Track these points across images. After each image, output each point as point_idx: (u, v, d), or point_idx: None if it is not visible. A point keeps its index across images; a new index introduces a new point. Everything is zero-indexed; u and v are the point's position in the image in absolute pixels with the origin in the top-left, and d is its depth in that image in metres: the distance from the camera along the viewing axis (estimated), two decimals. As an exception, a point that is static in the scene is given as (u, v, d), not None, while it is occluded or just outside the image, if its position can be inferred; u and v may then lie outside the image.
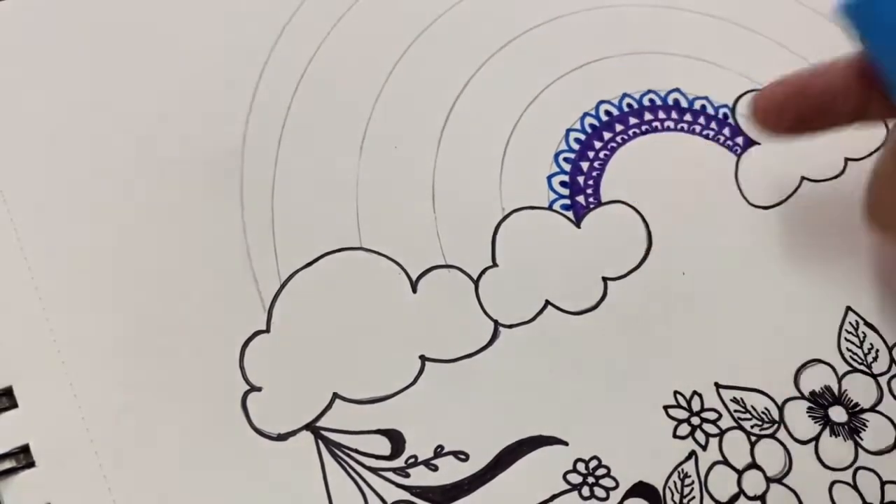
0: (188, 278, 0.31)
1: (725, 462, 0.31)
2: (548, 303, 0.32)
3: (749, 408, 0.31)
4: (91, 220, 0.31)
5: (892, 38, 0.27)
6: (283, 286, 0.31)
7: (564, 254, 0.33)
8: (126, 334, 0.30)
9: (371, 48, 0.35)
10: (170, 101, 0.33)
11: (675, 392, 0.31)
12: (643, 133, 0.35)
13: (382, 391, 0.30)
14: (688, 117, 0.35)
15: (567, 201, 0.34)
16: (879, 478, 0.31)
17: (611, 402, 0.31)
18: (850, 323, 0.33)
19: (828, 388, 0.32)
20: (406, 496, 0.29)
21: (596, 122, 0.35)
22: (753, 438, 0.31)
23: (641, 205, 0.34)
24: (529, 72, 0.35)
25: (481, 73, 0.35)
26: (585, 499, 0.30)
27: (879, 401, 0.32)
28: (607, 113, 0.35)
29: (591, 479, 0.30)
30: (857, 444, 0.31)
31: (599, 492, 0.30)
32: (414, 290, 0.32)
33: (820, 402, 0.32)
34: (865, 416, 0.32)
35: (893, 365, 0.32)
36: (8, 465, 0.28)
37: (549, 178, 0.34)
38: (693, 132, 0.35)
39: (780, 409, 0.31)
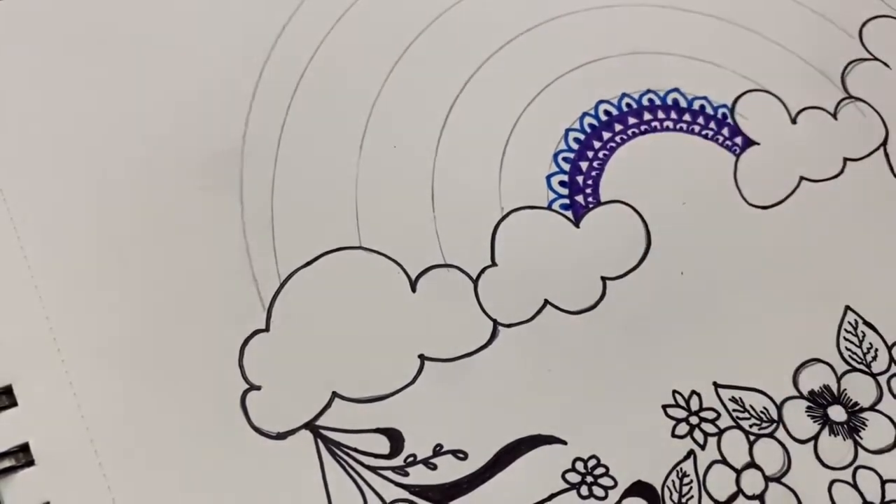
0: (188, 277, 0.31)
1: (724, 461, 0.31)
2: (547, 302, 0.32)
3: (748, 407, 0.31)
4: (91, 219, 0.31)
5: None
6: (282, 285, 0.31)
7: (563, 253, 0.33)
8: (126, 333, 0.30)
9: (370, 48, 0.35)
10: (170, 101, 0.33)
11: (674, 391, 0.31)
12: (642, 133, 0.35)
13: (381, 390, 0.30)
14: (687, 117, 0.35)
15: (566, 201, 0.34)
16: (880, 476, 0.31)
17: (609, 401, 0.31)
18: (850, 322, 0.33)
19: (827, 388, 0.32)
20: (405, 495, 0.29)
21: (595, 122, 0.35)
22: (752, 438, 0.31)
23: (640, 205, 0.34)
24: (529, 72, 0.35)
25: (480, 72, 0.35)
26: (584, 498, 0.30)
27: (879, 400, 0.32)
28: (606, 113, 0.35)
29: (589, 479, 0.30)
30: (856, 443, 0.31)
31: (598, 491, 0.30)
32: (413, 290, 0.32)
33: (819, 402, 0.32)
34: (865, 415, 0.32)
35: (893, 364, 0.32)
36: (7, 463, 0.28)
37: (549, 177, 0.34)
38: (692, 132, 0.35)
39: (779, 408, 0.31)
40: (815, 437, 0.31)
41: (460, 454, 0.30)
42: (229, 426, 0.29)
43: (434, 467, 0.30)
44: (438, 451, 0.30)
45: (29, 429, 0.29)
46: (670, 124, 0.35)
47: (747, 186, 0.35)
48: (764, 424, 0.31)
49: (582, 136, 0.35)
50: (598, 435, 0.30)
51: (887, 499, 0.31)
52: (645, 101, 0.36)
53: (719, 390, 0.31)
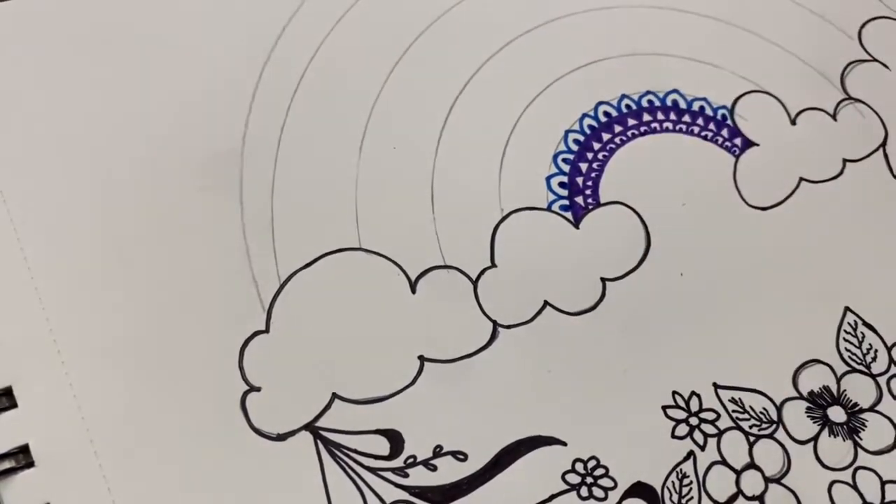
0: (188, 278, 0.31)
1: (724, 462, 0.31)
2: (546, 303, 0.32)
3: (747, 408, 0.31)
4: (91, 219, 0.31)
5: None
6: (282, 286, 0.31)
7: (563, 254, 0.33)
8: (126, 334, 0.30)
9: (370, 49, 0.35)
10: (170, 101, 0.33)
11: (674, 392, 0.31)
12: (642, 134, 0.35)
13: (381, 391, 0.30)
14: (686, 118, 0.35)
15: (566, 202, 0.34)
16: (879, 477, 0.31)
17: (609, 402, 0.31)
18: (849, 323, 0.33)
19: (826, 389, 0.32)
20: (405, 496, 0.29)
21: (595, 124, 0.35)
22: (752, 438, 0.31)
23: (640, 206, 0.34)
24: (528, 73, 0.35)
25: (480, 73, 0.35)
26: (584, 499, 0.30)
27: (878, 400, 0.32)
28: (606, 114, 0.35)
29: (589, 479, 0.30)
30: (856, 444, 0.31)
31: (598, 492, 0.30)
32: (413, 291, 0.32)
33: (819, 403, 0.32)
34: (865, 415, 0.32)
35: (892, 365, 0.32)
36: (7, 464, 0.28)
37: (548, 178, 0.34)
38: (692, 133, 0.35)
39: (779, 409, 0.31)
40: (815, 438, 0.31)
41: (460, 455, 0.30)
42: (229, 427, 0.29)
43: (434, 468, 0.30)
44: (438, 452, 0.30)
45: (29, 430, 0.29)
46: (670, 125, 0.35)
47: (747, 187, 0.35)
48: (764, 425, 0.31)
49: (581, 138, 0.35)
50: (597, 436, 0.30)
51: (887, 499, 0.31)
52: (644, 103, 0.36)
53: (719, 391, 0.31)
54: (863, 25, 0.37)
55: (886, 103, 0.36)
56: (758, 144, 0.35)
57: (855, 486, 0.31)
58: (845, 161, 0.35)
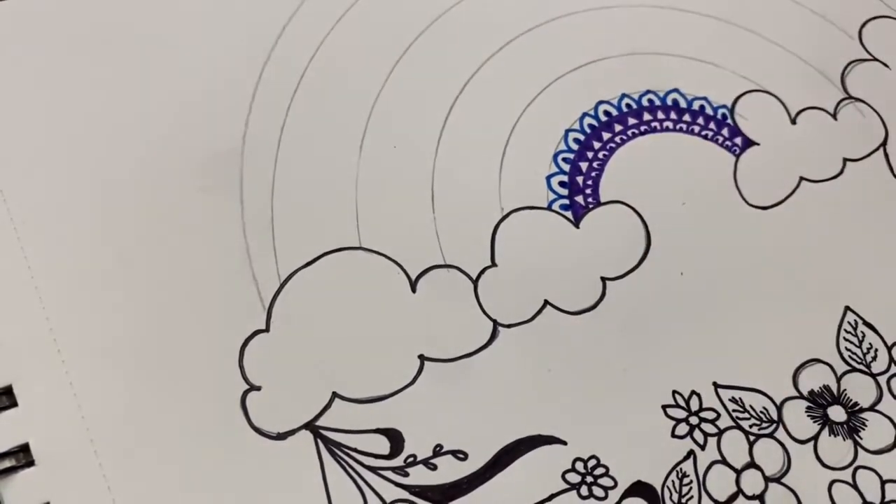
0: (188, 278, 0.31)
1: (724, 461, 0.31)
2: (546, 302, 0.32)
3: (748, 407, 0.31)
4: (91, 219, 0.31)
5: None
6: (282, 286, 0.31)
7: (563, 254, 0.33)
8: (126, 334, 0.30)
9: (370, 48, 0.35)
10: (170, 101, 0.33)
11: (674, 391, 0.31)
12: (642, 133, 0.35)
13: (382, 390, 0.30)
14: (687, 117, 0.35)
15: (566, 201, 0.34)
16: (880, 477, 0.31)
17: (609, 401, 0.31)
18: (849, 322, 0.33)
19: (827, 388, 0.32)
20: (405, 495, 0.29)
21: (595, 123, 0.35)
22: (752, 438, 0.31)
23: (640, 205, 0.34)
24: (528, 72, 0.35)
25: (481, 73, 0.35)
26: (584, 498, 0.30)
27: (879, 400, 0.32)
28: (606, 113, 0.35)
29: (589, 479, 0.30)
30: (856, 444, 0.31)
31: (598, 491, 0.30)
32: (413, 290, 0.32)
33: (819, 402, 0.32)
34: (865, 415, 0.32)
35: (892, 364, 0.32)
36: (7, 463, 0.28)
37: (549, 178, 0.34)
38: (692, 132, 0.35)
39: (779, 408, 0.31)
40: (815, 438, 0.31)
41: (460, 454, 0.30)
42: (229, 426, 0.29)
43: (434, 467, 0.30)
44: (438, 451, 0.30)
45: (29, 429, 0.29)
46: (670, 125, 0.35)
47: (747, 187, 0.35)
48: (764, 424, 0.31)
49: (582, 137, 0.35)
50: (597, 435, 0.30)
51: (887, 499, 0.31)
52: (645, 102, 0.36)
53: (719, 390, 0.31)
54: (863, 25, 0.37)
55: (887, 103, 0.36)
56: (758, 144, 0.35)
57: (855, 486, 0.31)
58: (845, 160, 0.35)
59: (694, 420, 0.31)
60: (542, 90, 0.35)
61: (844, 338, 0.33)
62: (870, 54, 0.37)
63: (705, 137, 0.35)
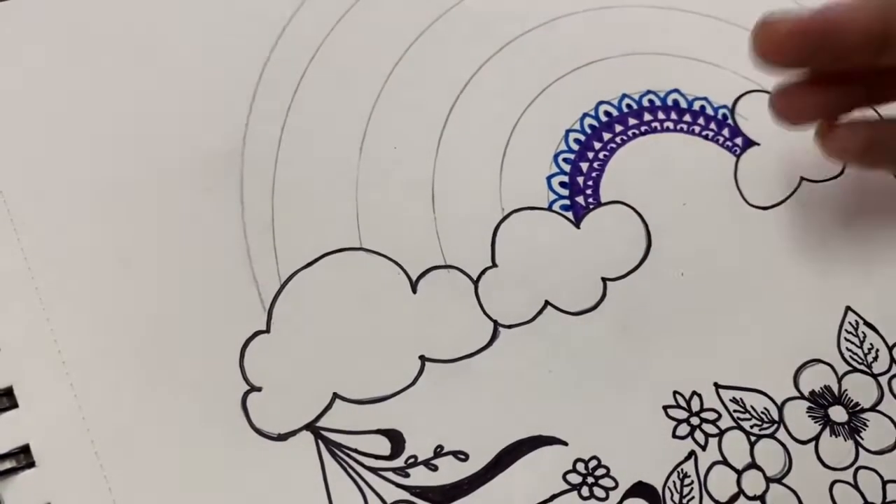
0: (188, 278, 0.31)
1: (725, 462, 0.31)
2: (547, 303, 0.32)
3: (748, 408, 0.31)
4: (91, 219, 0.31)
5: None
6: (283, 286, 0.31)
7: (564, 254, 0.33)
8: (126, 334, 0.30)
9: (371, 48, 0.35)
10: (170, 101, 0.33)
11: (675, 392, 0.31)
12: (642, 133, 0.35)
13: (382, 391, 0.30)
14: (687, 118, 0.35)
15: (566, 202, 0.34)
16: (881, 477, 0.31)
17: (610, 402, 0.31)
18: (850, 323, 0.33)
19: (828, 388, 0.32)
20: (406, 496, 0.29)
21: (595, 123, 0.35)
22: (753, 438, 0.31)
23: (641, 205, 0.34)
24: (529, 72, 0.35)
25: (481, 73, 0.35)
26: (585, 499, 0.30)
27: (880, 400, 0.32)
28: (607, 114, 0.35)
29: (590, 479, 0.30)
30: (857, 444, 0.31)
31: (599, 492, 0.30)
32: (414, 291, 0.32)
33: (820, 402, 0.32)
34: (866, 415, 0.32)
35: (893, 364, 0.32)
36: (8, 465, 0.28)
37: (549, 178, 0.34)
38: (692, 133, 0.35)
39: (780, 409, 0.31)
40: (816, 438, 0.31)
41: (461, 455, 0.30)
42: (230, 427, 0.29)
43: (435, 468, 0.30)
44: (439, 452, 0.30)
45: (30, 430, 0.29)
46: (671, 125, 0.35)
47: (748, 187, 0.35)
48: (765, 425, 0.31)
49: (582, 137, 0.35)
50: (598, 436, 0.30)
51: (888, 499, 0.31)
52: (645, 102, 0.36)
53: (720, 391, 0.31)
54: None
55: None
56: (758, 144, 0.35)
57: (856, 486, 0.31)
58: (846, 160, 0.35)
59: (695, 420, 0.31)
60: (542, 90, 0.35)
61: (845, 338, 0.33)
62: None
63: (706, 138, 0.35)
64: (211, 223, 0.32)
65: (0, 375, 0.29)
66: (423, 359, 0.31)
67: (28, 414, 0.29)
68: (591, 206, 0.34)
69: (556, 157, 0.34)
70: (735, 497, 0.30)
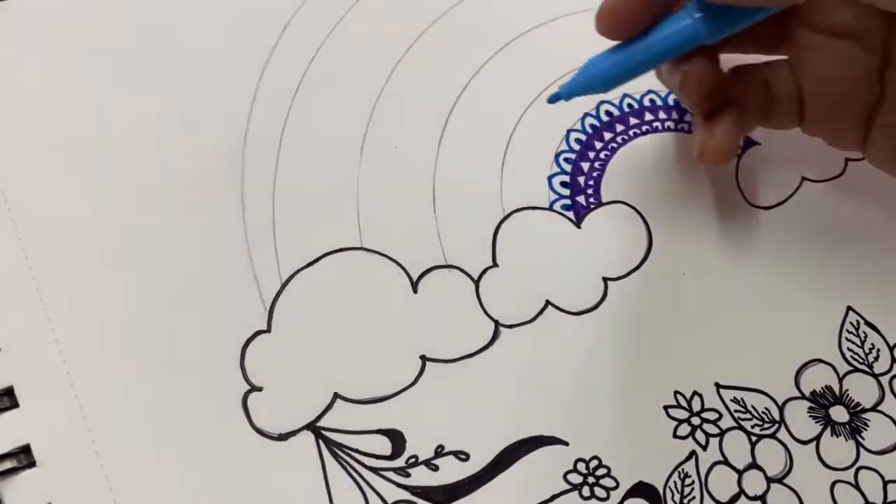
0: (189, 278, 0.31)
1: (726, 462, 0.31)
2: (548, 303, 0.32)
3: (749, 408, 0.31)
4: (91, 220, 0.31)
5: None
6: (283, 286, 0.31)
7: (565, 254, 0.33)
8: (127, 334, 0.30)
9: (372, 49, 0.35)
10: (170, 101, 0.33)
11: (676, 392, 0.31)
12: (644, 133, 0.35)
13: (383, 391, 0.30)
14: (688, 118, 0.35)
15: (567, 201, 0.34)
16: (882, 477, 0.31)
17: (611, 402, 0.31)
18: (851, 323, 0.33)
19: (829, 388, 0.32)
20: (407, 496, 0.29)
21: (596, 123, 0.35)
22: (754, 438, 0.31)
23: (642, 205, 0.34)
24: (530, 72, 0.35)
25: (482, 73, 0.35)
26: (586, 499, 0.30)
27: (881, 400, 0.32)
28: (608, 113, 0.35)
29: (591, 479, 0.30)
30: (858, 444, 0.31)
31: (600, 492, 0.30)
32: (414, 291, 0.32)
33: (821, 402, 0.32)
34: (867, 415, 0.32)
35: (894, 364, 0.32)
36: (9, 464, 0.28)
37: (550, 178, 0.34)
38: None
39: (781, 409, 0.31)
40: (817, 438, 0.31)
41: (462, 455, 0.30)
42: (231, 427, 0.29)
43: (436, 468, 0.30)
44: (440, 451, 0.30)
45: (30, 430, 0.29)
46: (672, 125, 0.35)
47: (749, 186, 0.35)
48: (766, 425, 0.31)
49: (583, 137, 0.35)
50: (599, 436, 0.30)
51: (889, 499, 0.31)
52: (646, 102, 0.36)
53: (721, 391, 0.31)
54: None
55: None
56: (759, 144, 0.35)
57: (857, 486, 0.31)
58: (847, 160, 0.35)
59: (696, 420, 0.31)
60: (543, 90, 0.35)
61: (846, 338, 0.32)
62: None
63: (707, 137, 0.35)
64: (212, 223, 0.32)
65: (0, 375, 0.29)
66: (423, 359, 0.31)
67: (28, 414, 0.29)
68: (592, 206, 0.34)
69: (556, 156, 0.34)
70: (736, 497, 0.30)
